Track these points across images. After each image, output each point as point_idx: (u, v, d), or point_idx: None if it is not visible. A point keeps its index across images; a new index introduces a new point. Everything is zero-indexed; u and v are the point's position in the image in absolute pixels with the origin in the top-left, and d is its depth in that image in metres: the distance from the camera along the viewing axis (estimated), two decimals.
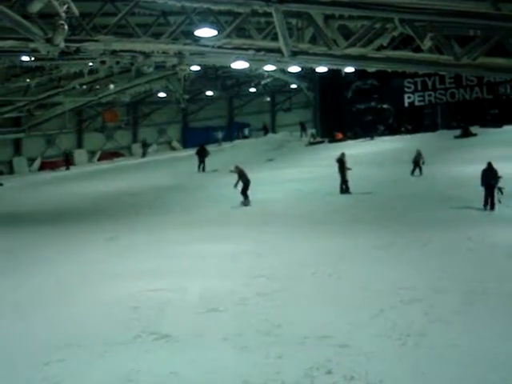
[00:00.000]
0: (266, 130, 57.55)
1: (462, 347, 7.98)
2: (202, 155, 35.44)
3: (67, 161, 47.79)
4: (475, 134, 37.06)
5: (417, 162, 25.76)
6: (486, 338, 8.33)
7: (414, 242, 14.84)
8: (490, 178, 19.11)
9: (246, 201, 21.88)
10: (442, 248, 14.08)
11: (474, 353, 7.78)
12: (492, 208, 18.71)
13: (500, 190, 19.08)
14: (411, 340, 8.35)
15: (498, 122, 39.62)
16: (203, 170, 34.84)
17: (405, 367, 7.41)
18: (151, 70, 27.61)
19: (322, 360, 7.67)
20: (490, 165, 19.50)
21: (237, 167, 22.41)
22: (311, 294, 10.70)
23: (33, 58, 27.14)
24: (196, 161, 35.52)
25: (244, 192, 21.96)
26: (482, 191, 18.86)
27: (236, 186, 21.90)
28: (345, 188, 22.92)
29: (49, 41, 18.49)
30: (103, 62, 25.85)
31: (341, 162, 23.24)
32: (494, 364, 7.38)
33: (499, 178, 19.16)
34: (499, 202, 18.93)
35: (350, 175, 23.05)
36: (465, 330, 8.70)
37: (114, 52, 23.44)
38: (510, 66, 18.71)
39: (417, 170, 25.75)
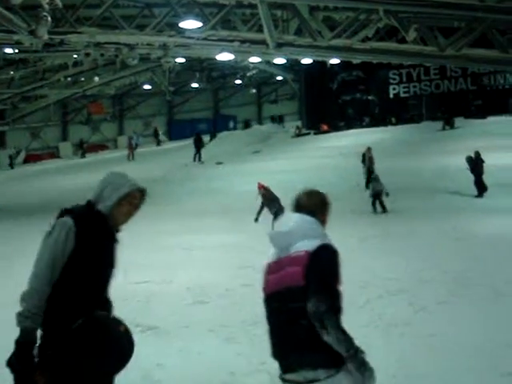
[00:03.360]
0: (246, 125, 57.47)
1: (447, 336, 8.04)
2: (198, 145, 35.65)
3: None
4: (457, 127, 37.22)
5: (377, 195, 18.85)
6: (471, 327, 8.39)
7: (400, 232, 14.93)
8: (477, 166, 19.67)
9: None
10: (427, 238, 14.17)
11: (459, 342, 7.83)
12: (481, 195, 19.68)
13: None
14: (396, 330, 8.39)
15: (482, 113, 39.79)
16: (199, 159, 34.93)
17: (390, 356, 7.45)
18: (136, 62, 27.50)
19: None
20: (477, 154, 20.01)
21: (263, 188, 17.18)
22: None
23: (16, 51, 27.04)
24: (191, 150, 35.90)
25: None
26: (464, 180, 19.31)
27: (258, 217, 16.76)
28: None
29: (32, 33, 18.41)
30: (87, 54, 25.75)
31: (364, 156, 22.94)
32: (478, 353, 7.45)
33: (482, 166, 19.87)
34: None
35: (343, 168, 22.88)
36: (449, 319, 8.75)
37: (98, 44, 23.36)
38: (493, 56, 18.84)
39: (378, 206, 18.89)
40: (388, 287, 10.44)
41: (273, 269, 3.97)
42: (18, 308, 3.71)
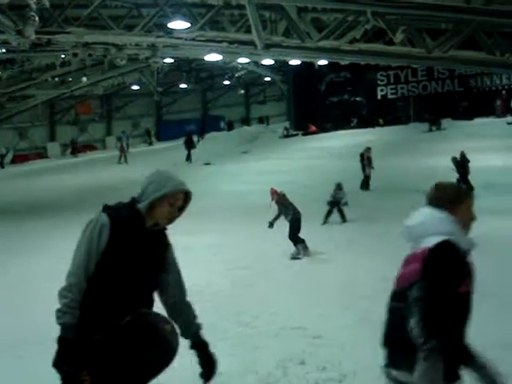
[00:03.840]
0: (229, 126, 57.40)
1: None
2: (189, 146, 35.84)
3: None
4: (443, 128, 37.40)
5: (336, 203, 17.52)
6: None
7: (387, 232, 14.98)
8: (463, 167, 19.89)
9: (301, 248, 13.33)
10: None
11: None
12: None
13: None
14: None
15: (469, 115, 40.00)
16: (190, 160, 35.32)
17: (378, 357, 7.47)
18: (124, 62, 27.50)
19: (296, 351, 7.73)
20: (462, 154, 20.24)
21: (276, 193, 14.26)
22: (288, 285, 10.76)
23: (4, 50, 26.91)
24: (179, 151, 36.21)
25: (294, 235, 13.45)
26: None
27: (273, 224, 14.22)
28: (365, 184, 22.40)
29: (19, 32, 18.34)
30: (75, 55, 25.68)
31: (362, 156, 22.79)
32: None
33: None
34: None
35: (327, 169, 22.98)
36: None
37: (86, 44, 23.29)
38: (480, 58, 18.96)
39: (333, 215, 17.45)
40: (374, 286, 10.48)
41: (402, 264, 3.81)
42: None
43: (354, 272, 11.74)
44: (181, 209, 4.02)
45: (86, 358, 3.57)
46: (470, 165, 20.69)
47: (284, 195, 14.03)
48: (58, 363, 3.61)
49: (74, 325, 3.61)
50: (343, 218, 17.15)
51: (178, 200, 3.95)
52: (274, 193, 14.05)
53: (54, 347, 7.55)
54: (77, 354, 3.57)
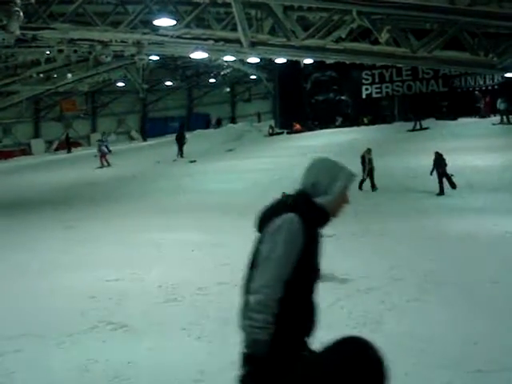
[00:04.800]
0: (218, 123, 57.37)
1: (416, 334, 8.14)
2: (181, 142, 35.94)
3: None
4: (426, 128, 37.55)
5: None
6: (440, 325, 8.51)
7: (371, 230, 15.06)
8: (440, 166, 20.06)
9: None
10: (398, 237, 14.31)
11: (428, 340, 7.93)
12: (442, 193, 20.00)
13: (449, 177, 20.28)
14: (367, 328, 8.46)
15: (452, 115, 40.19)
16: (181, 156, 35.17)
17: None
18: (109, 59, 27.34)
19: None
20: (437, 154, 20.41)
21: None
22: None
23: None
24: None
25: None
26: (435, 180, 19.65)
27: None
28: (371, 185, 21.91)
29: (4, 28, 18.24)
30: (60, 51, 25.60)
31: (363, 158, 22.45)
32: (446, 350, 7.56)
33: (445, 165, 20.32)
34: (454, 187, 20.11)
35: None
36: (420, 317, 8.86)
37: (71, 40, 23.21)
38: (464, 59, 19.10)
39: None
40: (359, 285, 10.53)
41: None
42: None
43: (338, 269, 11.77)
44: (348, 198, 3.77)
45: (280, 376, 3.32)
46: (453, 164, 20.80)
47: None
48: (248, 381, 3.36)
49: (267, 342, 3.31)
50: None
51: (348, 189, 3.76)
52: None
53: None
54: (271, 373, 3.32)
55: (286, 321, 3.37)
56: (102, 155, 35.83)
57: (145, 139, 52.65)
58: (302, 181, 3.77)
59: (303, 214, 3.46)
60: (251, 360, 3.34)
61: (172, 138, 43.16)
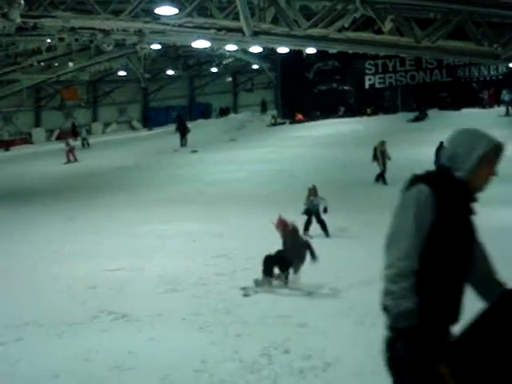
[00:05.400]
0: (222, 112, 57.04)
1: None
2: (183, 131, 35.88)
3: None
4: (426, 115, 37.47)
5: (315, 213, 14.64)
6: None
7: (373, 222, 14.99)
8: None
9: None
10: None
11: None
12: None
13: None
14: (368, 320, 8.43)
15: (456, 106, 40.05)
16: (185, 145, 35.51)
17: (361, 346, 7.49)
18: (111, 48, 27.23)
19: (280, 339, 7.71)
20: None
21: (284, 225, 10.86)
22: None
23: None
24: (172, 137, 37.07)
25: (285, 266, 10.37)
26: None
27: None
28: (382, 178, 21.48)
29: (4, 16, 18.16)
30: (61, 39, 25.50)
31: (375, 150, 21.95)
32: None
33: None
34: None
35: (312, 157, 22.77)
36: None
37: (72, 29, 23.11)
38: (468, 48, 18.97)
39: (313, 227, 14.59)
40: (361, 277, 10.48)
41: None
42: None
43: (339, 261, 11.75)
44: (496, 168, 3.50)
45: (441, 347, 3.13)
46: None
47: (297, 231, 11.01)
48: (406, 356, 3.13)
49: (416, 311, 3.12)
50: (326, 232, 14.28)
51: (496, 157, 3.46)
52: (281, 224, 10.81)
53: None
54: (431, 343, 3.10)
55: (428, 296, 3.23)
56: (70, 150, 34.00)
57: (150, 128, 52.40)
58: (443, 155, 3.56)
59: (436, 186, 3.31)
60: (404, 333, 3.14)
61: (173, 127, 43.22)
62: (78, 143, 38.11)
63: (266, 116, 49.84)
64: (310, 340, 7.72)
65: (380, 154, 21.44)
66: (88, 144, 40.48)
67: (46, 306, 9.45)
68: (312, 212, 14.38)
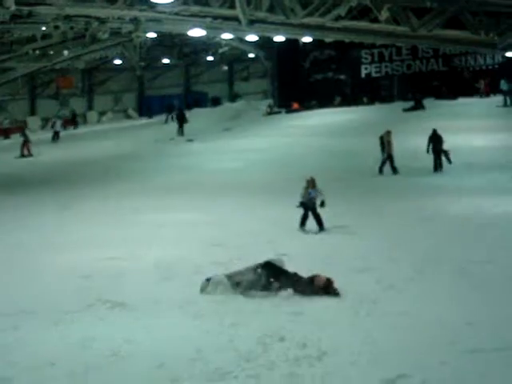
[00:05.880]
0: (214, 102, 56.69)
1: (413, 314, 8.16)
2: (181, 120, 35.82)
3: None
4: (423, 107, 37.40)
5: (312, 208, 13.60)
6: (436, 305, 8.54)
7: (367, 211, 15.03)
8: (435, 143, 19.98)
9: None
10: (395, 218, 14.28)
11: (423, 319, 7.97)
12: (440, 169, 20.08)
13: (446, 152, 20.14)
14: (363, 308, 8.49)
15: (452, 95, 40.01)
16: (182, 134, 35.34)
17: (356, 334, 7.55)
18: (106, 36, 27.15)
19: (275, 328, 7.76)
20: (434, 131, 20.30)
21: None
22: None
23: None
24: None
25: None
26: (431, 158, 19.74)
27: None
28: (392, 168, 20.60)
29: None
30: (57, 27, 25.37)
31: (381, 139, 21.15)
32: (441, 330, 7.59)
33: (443, 142, 20.17)
34: (450, 163, 20.11)
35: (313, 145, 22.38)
36: (416, 297, 8.89)
37: (67, 17, 22.99)
38: (464, 38, 18.96)
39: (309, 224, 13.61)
40: (355, 265, 10.54)
41: None
42: None
43: (335, 249, 11.79)
44: None
45: None
46: (453, 143, 20.71)
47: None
48: None
49: None
50: (321, 227, 13.39)
51: None
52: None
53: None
54: None
55: None
56: (25, 143, 31.65)
57: (150, 116, 52.07)
58: None
59: None
60: None
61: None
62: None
63: (261, 105, 49.67)
64: (305, 329, 7.76)
65: (386, 144, 20.98)
66: (58, 137, 37.41)
67: (42, 295, 9.48)
68: (308, 206, 13.54)
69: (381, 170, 20.54)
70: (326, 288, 8.96)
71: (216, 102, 55.89)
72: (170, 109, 44.07)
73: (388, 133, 21.21)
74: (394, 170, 20.46)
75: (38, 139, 35.72)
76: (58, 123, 39.35)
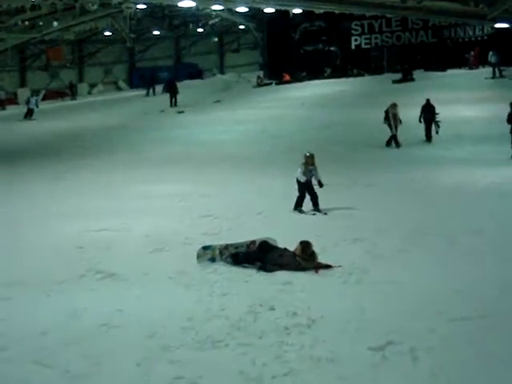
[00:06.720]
0: (199, 74, 56.18)
1: (402, 283, 8.27)
2: (173, 91, 35.55)
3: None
4: (413, 79, 37.33)
5: (309, 188, 12.82)
6: (425, 274, 8.66)
7: (359, 183, 15.09)
8: (428, 113, 20.06)
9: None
10: (385, 189, 14.36)
11: (412, 288, 8.08)
12: (429, 140, 20.33)
13: (437, 123, 20.33)
14: (353, 277, 8.60)
15: (441, 66, 39.94)
16: (175, 105, 35.41)
17: (346, 303, 7.65)
18: (96, 7, 26.85)
19: (266, 297, 7.85)
20: (428, 101, 20.35)
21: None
22: (257, 233, 10.66)
23: None
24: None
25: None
26: (423, 128, 20.27)
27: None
28: (395, 143, 20.16)
29: None
30: None
31: (386, 113, 20.49)
32: (429, 299, 7.70)
33: (437, 114, 20.32)
34: (437, 133, 20.33)
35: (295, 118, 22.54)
36: (405, 267, 8.99)
37: None
38: (454, 9, 18.94)
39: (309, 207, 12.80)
40: (345, 235, 10.63)
41: None
42: None
43: (325, 221, 11.87)
44: None
45: None
46: (442, 115, 20.70)
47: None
48: None
49: None
50: (316, 207, 12.62)
51: None
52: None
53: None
54: None
55: None
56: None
57: (149, 90, 51.51)
58: None
59: None
60: None
61: (159, 88, 42.95)
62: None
63: (252, 77, 49.40)
64: (294, 298, 7.86)
65: (392, 116, 20.46)
66: (31, 115, 34.46)
67: (33, 266, 9.53)
68: (307, 186, 12.75)
69: (389, 143, 20.21)
70: (303, 251, 9.06)
71: (199, 74, 55.48)
72: (151, 81, 43.65)
73: (394, 105, 20.53)
74: (397, 144, 20.23)
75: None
76: (33, 100, 36.12)
